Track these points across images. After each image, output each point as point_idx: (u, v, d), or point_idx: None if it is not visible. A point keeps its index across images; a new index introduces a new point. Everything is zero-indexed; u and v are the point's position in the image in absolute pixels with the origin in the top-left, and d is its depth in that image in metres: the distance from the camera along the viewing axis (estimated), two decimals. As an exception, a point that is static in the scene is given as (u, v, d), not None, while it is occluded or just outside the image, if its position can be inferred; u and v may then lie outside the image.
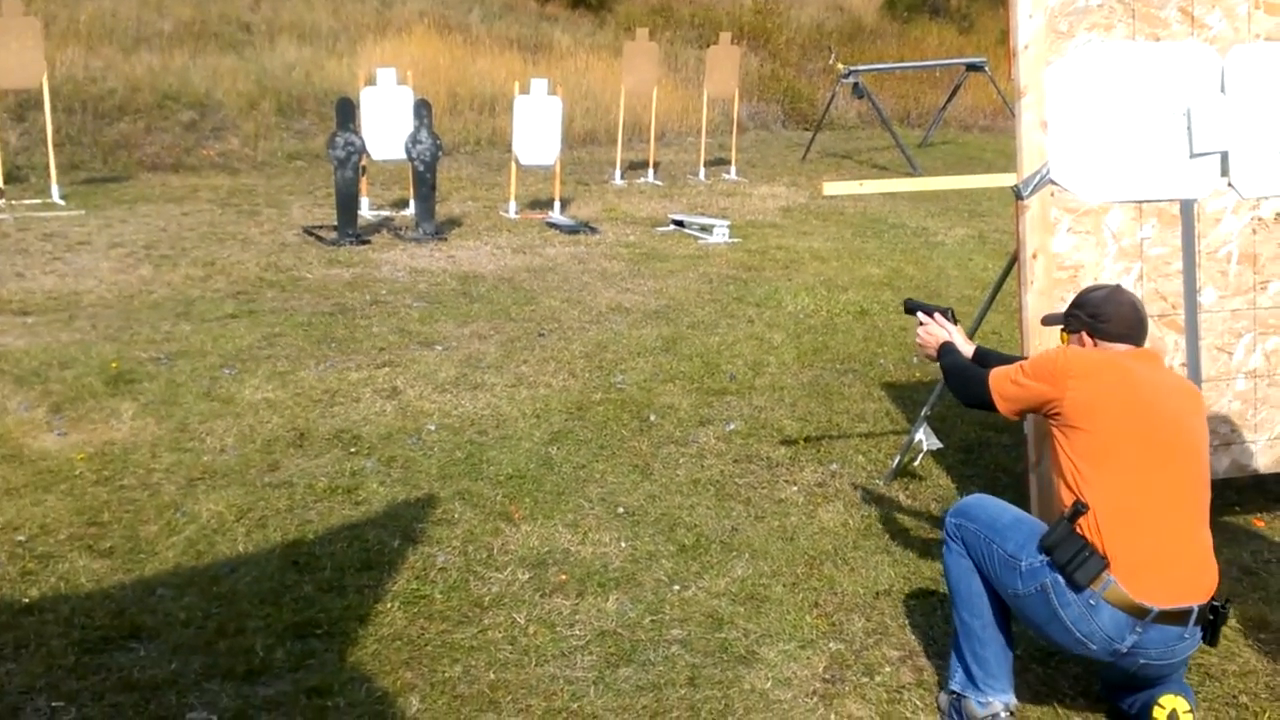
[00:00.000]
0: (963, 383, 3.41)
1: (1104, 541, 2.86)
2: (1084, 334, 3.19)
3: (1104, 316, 3.14)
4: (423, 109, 9.99)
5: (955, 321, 3.71)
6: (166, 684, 3.24)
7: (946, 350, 3.57)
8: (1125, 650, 2.89)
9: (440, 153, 10.07)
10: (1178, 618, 2.86)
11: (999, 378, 3.23)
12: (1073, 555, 2.86)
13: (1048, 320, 3.52)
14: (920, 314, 3.73)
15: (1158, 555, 2.85)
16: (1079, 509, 2.90)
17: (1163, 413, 2.96)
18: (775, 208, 12.27)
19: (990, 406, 3.25)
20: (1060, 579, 2.89)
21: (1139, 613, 2.83)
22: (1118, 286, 3.26)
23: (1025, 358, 3.45)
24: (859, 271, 9.17)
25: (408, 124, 10.01)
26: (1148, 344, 3.20)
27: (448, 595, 3.82)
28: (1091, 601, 2.86)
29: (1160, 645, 2.89)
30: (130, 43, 15.59)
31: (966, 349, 3.62)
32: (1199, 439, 3.02)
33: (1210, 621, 2.92)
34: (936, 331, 3.65)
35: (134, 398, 5.56)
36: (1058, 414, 3.04)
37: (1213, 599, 2.92)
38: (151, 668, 3.32)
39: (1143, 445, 2.91)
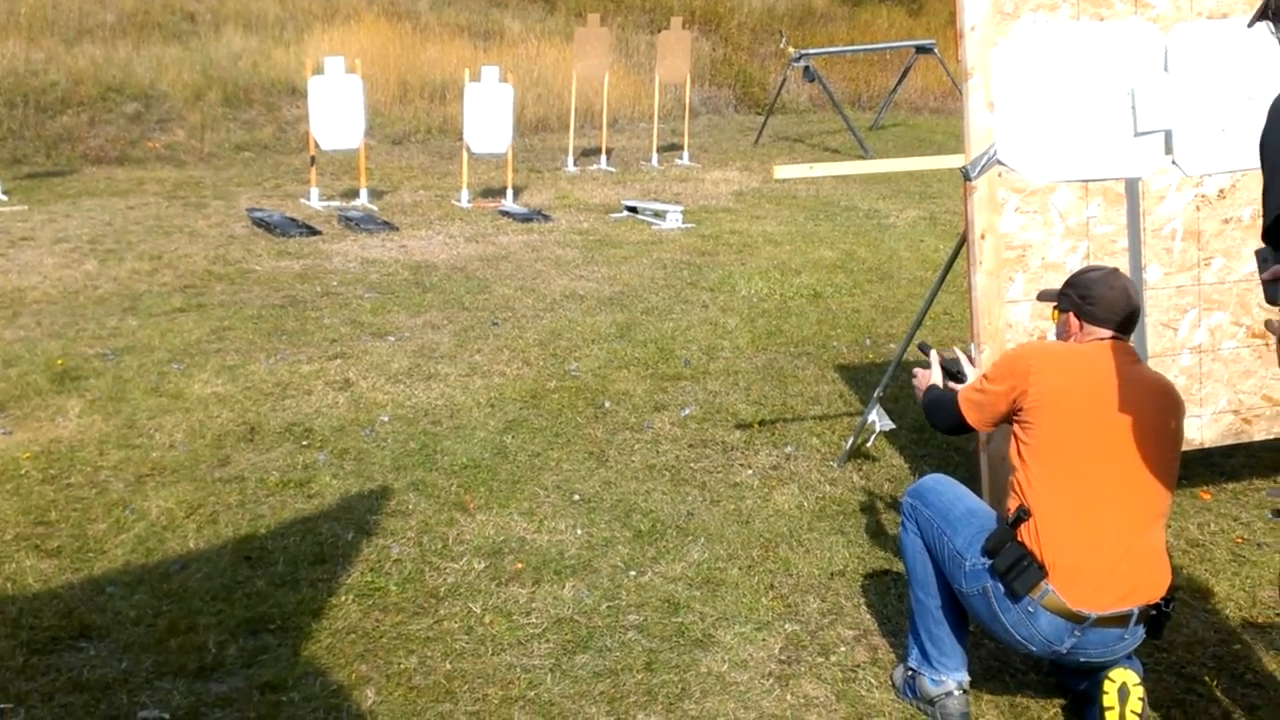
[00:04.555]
0: (937, 411, 3.36)
1: (1042, 549, 2.87)
2: (1072, 315, 3.10)
3: (1092, 299, 3.04)
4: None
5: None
6: (117, 683, 3.20)
7: (929, 389, 3.49)
8: (1065, 651, 2.93)
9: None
10: (1117, 621, 2.88)
11: (964, 393, 3.22)
12: (1011, 564, 2.87)
13: (1043, 296, 3.42)
14: (931, 355, 3.65)
15: (1097, 561, 2.86)
16: (1021, 515, 2.91)
17: (1119, 410, 2.91)
18: (728, 192, 12.29)
19: (964, 426, 3.22)
20: (1000, 586, 2.91)
21: (1077, 619, 2.86)
22: (1114, 270, 3.14)
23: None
24: (812, 255, 9.20)
25: (357, 113, 9.93)
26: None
27: (403, 587, 3.80)
28: (1030, 609, 2.88)
29: (1100, 645, 2.92)
30: (72, 34, 15.32)
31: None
32: (1162, 438, 2.95)
33: (1153, 619, 2.94)
34: (928, 374, 3.56)
35: (80, 395, 5.48)
36: (1020, 410, 3.00)
37: (1162, 598, 2.92)
38: (102, 667, 3.28)
39: (1089, 442, 2.90)
